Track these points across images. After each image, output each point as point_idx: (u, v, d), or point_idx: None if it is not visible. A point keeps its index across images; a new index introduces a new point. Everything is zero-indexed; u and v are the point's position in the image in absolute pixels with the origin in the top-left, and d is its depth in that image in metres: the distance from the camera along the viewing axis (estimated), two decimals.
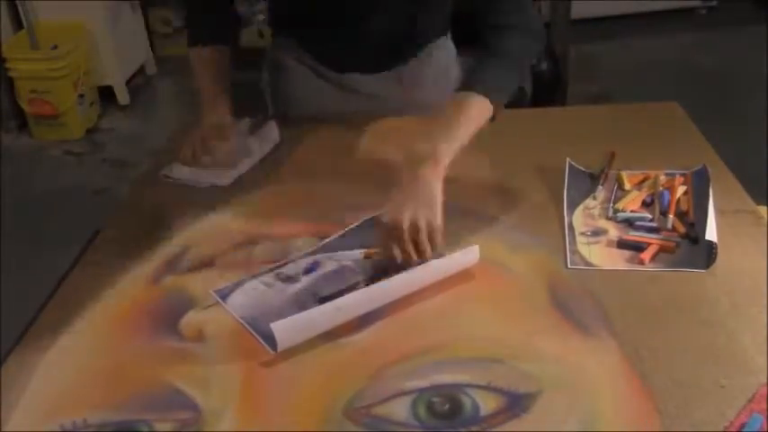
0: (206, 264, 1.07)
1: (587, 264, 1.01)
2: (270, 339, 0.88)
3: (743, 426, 0.75)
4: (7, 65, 3.22)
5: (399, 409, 0.80)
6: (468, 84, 1.11)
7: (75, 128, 3.35)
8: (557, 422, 0.78)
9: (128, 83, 3.68)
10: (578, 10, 3.16)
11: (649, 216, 1.09)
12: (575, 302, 0.94)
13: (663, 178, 1.17)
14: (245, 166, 1.30)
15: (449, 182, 1.03)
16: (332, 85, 1.40)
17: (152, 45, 4.06)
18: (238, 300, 0.98)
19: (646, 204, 1.12)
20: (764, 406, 0.77)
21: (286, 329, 0.88)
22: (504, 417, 0.78)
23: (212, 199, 1.23)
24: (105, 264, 1.09)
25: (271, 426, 0.80)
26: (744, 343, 0.86)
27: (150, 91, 3.85)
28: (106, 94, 3.56)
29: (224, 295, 0.99)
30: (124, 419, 0.82)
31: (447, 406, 0.80)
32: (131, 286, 1.04)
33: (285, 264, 1.04)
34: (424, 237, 0.97)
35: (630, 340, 0.87)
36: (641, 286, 0.97)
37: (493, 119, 1.12)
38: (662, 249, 1.02)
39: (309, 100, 1.42)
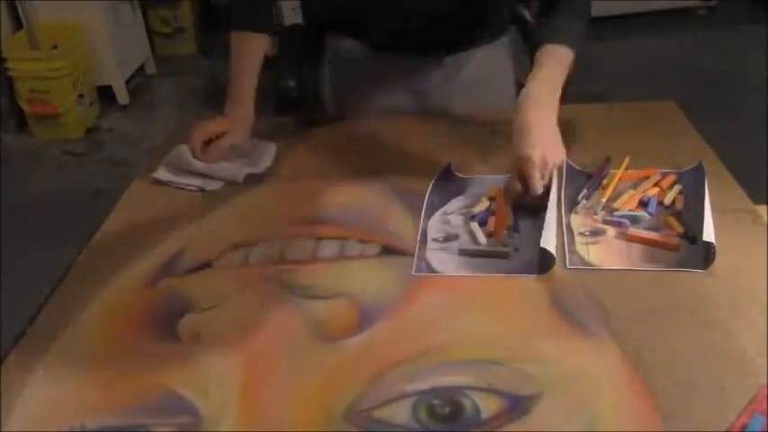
0: (203, 265, 1.07)
1: (586, 264, 1.01)
2: None
3: (744, 427, 0.75)
4: (7, 64, 3.23)
5: (400, 412, 0.80)
6: (554, 35, 1.18)
7: (75, 127, 3.35)
8: (558, 424, 0.78)
9: (127, 83, 3.68)
10: None
11: (640, 213, 1.09)
12: (574, 303, 0.94)
13: (659, 177, 1.17)
14: (229, 177, 1.28)
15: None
16: (391, 77, 1.43)
17: (152, 45, 4.07)
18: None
19: (643, 204, 1.12)
20: (765, 407, 0.77)
21: None
22: (506, 419, 0.78)
23: (210, 200, 1.23)
24: (101, 266, 1.09)
25: (270, 429, 0.80)
26: (743, 343, 0.86)
27: (150, 91, 3.85)
28: (106, 93, 3.57)
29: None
30: (122, 424, 0.82)
31: (448, 408, 0.79)
32: (128, 288, 1.04)
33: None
34: (550, 171, 1.09)
35: (630, 341, 0.87)
36: (640, 286, 0.97)
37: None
38: (664, 246, 1.02)
39: (368, 92, 1.46)
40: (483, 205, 1.14)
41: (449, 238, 1.08)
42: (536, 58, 1.17)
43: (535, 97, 1.12)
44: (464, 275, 1.01)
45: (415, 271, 1.02)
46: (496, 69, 1.47)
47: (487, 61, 1.44)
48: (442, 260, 1.04)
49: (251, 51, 1.33)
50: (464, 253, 1.04)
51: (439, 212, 1.14)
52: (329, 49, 1.49)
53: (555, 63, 1.16)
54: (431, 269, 1.02)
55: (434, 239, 1.08)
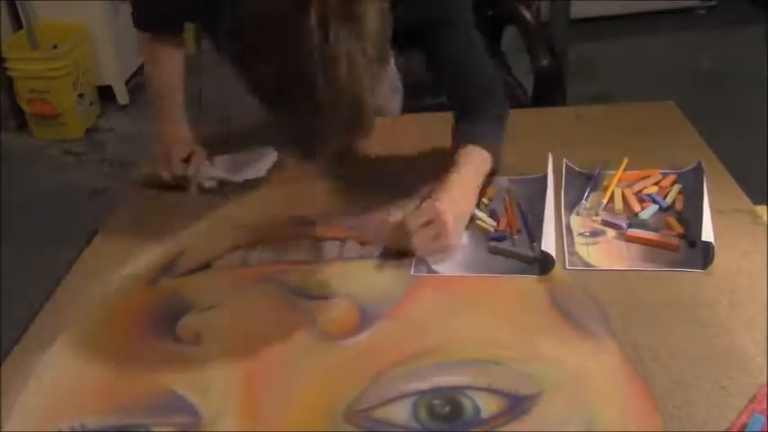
0: (203, 266, 1.07)
1: (586, 264, 1.01)
2: None
3: (744, 426, 0.75)
4: (7, 64, 3.22)
5: (400, 412, 0.80)
6: (469, 138, 1.15)
7: (75, 127, 3.35)
8: (557, 423, 0.78)
9: (127, 82, 3.68)
10: (578, 10, 3.15)
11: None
12: (574, 303, 0.94)
13: (659, 177, 1.17)
14: (226, 176, 1.27)
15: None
16: None
17: None
18: None
19: (644, 202, 1.12)
20: (765, 406, 0.77)
21: None
22: (505, 418, 0.78)
23: (209, 200, 1.23)
24: (102, 266, 1.09)
25: (270, 429, 0.80)
26: (743, 343, 0.86)
27: None
28: (106, 93, 3.56)
29: None
30: (122, 424, 0.82)
31: (448, 408, 0.80)
32: (128, 288, 1.04)
33: None
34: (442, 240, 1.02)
35: (630, 341, 0.87)
36: (640, 286, 0.97)
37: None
38: (664, 246, 1.02)
39: None
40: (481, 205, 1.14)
41: None
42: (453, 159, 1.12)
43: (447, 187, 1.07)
44: (464, 275, 1.01)
45: (415, 271, 1.02)
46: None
47: None
48: (442, 260, 1.04)
49: (175, 59, 1.26)
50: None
51: None
52: None
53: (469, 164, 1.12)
54: (430, 269, 1.02)
55: None
